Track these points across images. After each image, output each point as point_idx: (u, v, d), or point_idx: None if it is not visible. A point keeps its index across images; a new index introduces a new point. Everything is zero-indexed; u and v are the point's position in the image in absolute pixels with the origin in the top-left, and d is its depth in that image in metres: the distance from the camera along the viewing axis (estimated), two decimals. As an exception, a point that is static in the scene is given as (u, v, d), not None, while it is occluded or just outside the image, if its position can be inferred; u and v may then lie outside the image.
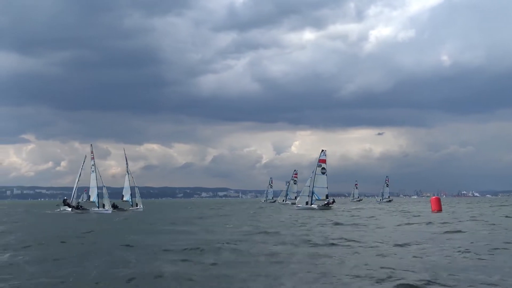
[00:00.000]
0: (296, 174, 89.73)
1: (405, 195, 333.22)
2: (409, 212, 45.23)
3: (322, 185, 58.83)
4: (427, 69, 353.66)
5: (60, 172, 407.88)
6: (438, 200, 47.74)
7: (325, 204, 57.38)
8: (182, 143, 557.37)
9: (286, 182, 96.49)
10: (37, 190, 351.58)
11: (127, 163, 62.02)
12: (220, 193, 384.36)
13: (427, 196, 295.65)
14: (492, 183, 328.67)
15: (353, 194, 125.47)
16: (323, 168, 59.46)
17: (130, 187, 59.71)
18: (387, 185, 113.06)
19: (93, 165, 55.79)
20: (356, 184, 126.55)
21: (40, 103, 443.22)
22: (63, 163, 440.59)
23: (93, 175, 55.33)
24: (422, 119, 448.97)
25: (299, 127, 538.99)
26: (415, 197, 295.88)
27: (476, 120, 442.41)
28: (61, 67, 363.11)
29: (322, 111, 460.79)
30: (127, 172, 60.49)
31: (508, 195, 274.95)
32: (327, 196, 58.97)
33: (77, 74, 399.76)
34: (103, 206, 52.21)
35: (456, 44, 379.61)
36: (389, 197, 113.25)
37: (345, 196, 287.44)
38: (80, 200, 64.04)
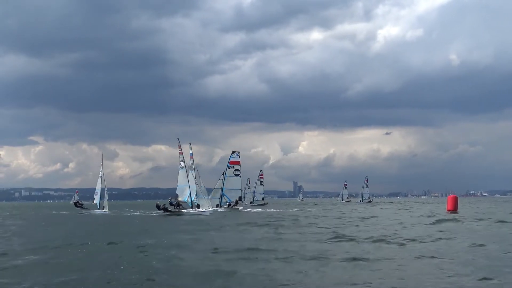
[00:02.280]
0: (262, 175, 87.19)
1: (413, 195, 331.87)
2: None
3: (235, 187, 57.93)
4: (435, 69, 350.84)
5: (68, 174, 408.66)
6: (455, 199, 46.13)
7: (228, 205, 56.67)
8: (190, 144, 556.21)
9: (246, 183, 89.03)
10: (45, 192, 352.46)
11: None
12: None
13: (435, 196, 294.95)
14: (501, 182, 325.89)
15: (342, 194, 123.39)
16: (236, 170, 58.41)
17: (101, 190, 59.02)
18: (367, 186, 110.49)
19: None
20: (345, 184, 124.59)
21: (48, 105, 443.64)
22: (71, 165, 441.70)
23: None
24: (431, 118, 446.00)
25: (306, 128, 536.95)
26: (425, 197, 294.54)
27: (485, 120, 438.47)
28: (69, 68, 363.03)
29: (329, 111, 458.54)
30: (102, 175, 59.55)
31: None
32: (240, 198, 58.12)
33: (85, 75, 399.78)
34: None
35: (465, 43, 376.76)
36: (369, 197, 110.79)
37: (353, 196, 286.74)
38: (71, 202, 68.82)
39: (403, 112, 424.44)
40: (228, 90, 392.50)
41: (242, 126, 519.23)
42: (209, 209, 46.75)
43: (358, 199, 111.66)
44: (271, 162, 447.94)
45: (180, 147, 56.00)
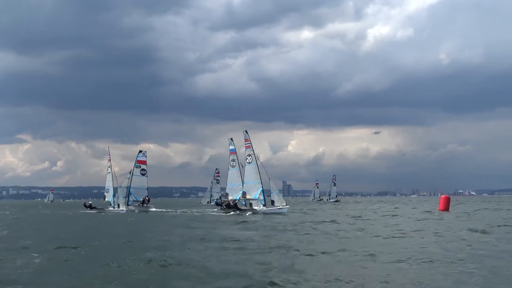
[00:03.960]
0: (218, 173, 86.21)
1: (402, 194, 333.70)
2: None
3: (141, 186, 58.12)
4: (425, 68, 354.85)
5: (57, 172, 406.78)
6: (447, 200, 46.91)
7: (140, 205, 56.62)
8: (179, 142, 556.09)
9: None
10: (33, 190, 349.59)
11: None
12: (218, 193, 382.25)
13: (424, 195, 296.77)
14: (489, 182, 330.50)
15: (314, 193, 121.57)
16: (143, 169, 58.63)
17: (113, 188, 58.05)
18: (334, 184, 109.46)
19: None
20: (317, 184, 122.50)
21: (37, 103, 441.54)
22: (59, 163, 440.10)
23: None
24: (420, 118, 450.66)
25: (296, 127, 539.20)
26: (414, 196, 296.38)
27: (474, 119, 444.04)
28: (59, 66, 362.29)
29: (319, 110, 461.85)
30: (111, 171, 58.85)
31: (504, 194, 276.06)
32: (148, 198, 58.03)
33: (75, 73, 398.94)
34: (118, 206, 54.20)
35: (455, 42, 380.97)
36: (336, 196, 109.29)
37: (342, 195, 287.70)
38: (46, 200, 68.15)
39: (392, 111, 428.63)
40: (218, 89, 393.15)
41: (232, 124, 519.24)
42: (286, 206, 44.90)
43: (326, 198, 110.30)
44: (260, 161, 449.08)
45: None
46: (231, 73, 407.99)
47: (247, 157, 47.64)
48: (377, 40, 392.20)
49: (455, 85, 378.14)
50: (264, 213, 42.25)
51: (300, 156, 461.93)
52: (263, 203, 45.12)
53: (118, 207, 54.03)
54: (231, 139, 51.80)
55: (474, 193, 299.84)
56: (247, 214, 41.77)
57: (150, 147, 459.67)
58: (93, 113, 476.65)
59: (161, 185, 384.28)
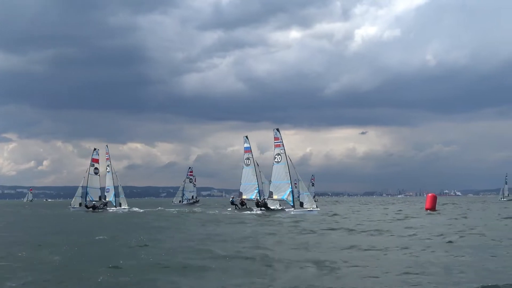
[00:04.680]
0: (191, 172, 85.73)
1: (388, 194, 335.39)
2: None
3: (96, 186, 57.33)
4: (412, 69, 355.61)
5: (43, 172, 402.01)
6: (433, 198, 46.35)
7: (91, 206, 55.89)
8: (166, 142, 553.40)
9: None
10: (19, 190, 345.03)
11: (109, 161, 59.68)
12: (204, 193, 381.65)
13: (410, 195, 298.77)
14: (474, 182, 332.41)
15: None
16: (96, 168, 58.02)
17: (114, 187, 57.50)
18: (313, 185, 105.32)
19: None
20: (295, 184, 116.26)
21: (23, 102, 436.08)
22: (45, 163, 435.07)
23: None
24: (407, 118, 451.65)
25: (283, 127, 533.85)
26: (401, 196, 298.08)
27: (461, 120, 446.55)
28: (45, 65, 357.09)
29: (306, 111, 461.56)
30: (111, 170, 58.20)
31: (489, 194, 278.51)
32: (100, 198, 57.55)
33: (61, 72, 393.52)
34: (120, 205, 54.10)
35: (442, 43, 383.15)
36: (314, 196, 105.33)
37: (328, 195, 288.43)
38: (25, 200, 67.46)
39: (379, 111, 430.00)
40: (205, 89, 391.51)
41: (219, 124, 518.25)
42: (316, 208, 43.08)
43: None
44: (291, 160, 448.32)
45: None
46: (218, 73, 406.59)
47: (276, 156, 46.10)
48: (364, 40, 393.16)
49: (442, 86, 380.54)
50: (295, 214, 40.48)
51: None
52: (292, 204, 43.67)
53: (120, 206, 53.78)
54: (246, 137, 50.68)
55: (460, 193, 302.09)
56: (277, 215, 40.49)
57: (137, 147, 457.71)
58: (79, 112, 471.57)
59: (147, 185, 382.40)
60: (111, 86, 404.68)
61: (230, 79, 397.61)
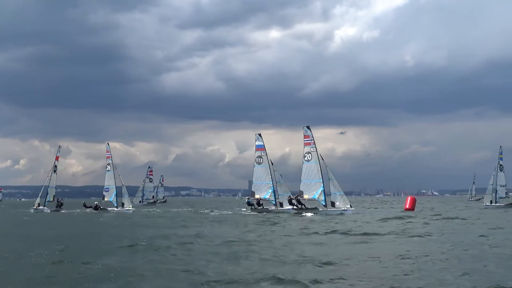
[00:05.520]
0: (151, 171, 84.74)
1: (366, 194, 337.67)
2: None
3: (52, 185, 55.78)
4: (390, 69, 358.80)
5: (19, 171, 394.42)
6: (413, 201, 47.58)
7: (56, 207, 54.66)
8: (145, 141, 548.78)
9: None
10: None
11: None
12: (183, 192, 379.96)
13: (388, 195, 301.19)
14: (451, 182, 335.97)
15: (239, 194, 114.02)
16: (55, 166, 56.48)
17: (116, 186, 53.84)
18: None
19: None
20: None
21: None
22: (22, 162, 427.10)
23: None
24: (385, 118, 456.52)
25: (262, 126, 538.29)
26: (380, 196, 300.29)
27: (438, 120, 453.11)
28: (23, 63, 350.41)
29: (286, 110, 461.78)
30: (112, 168, 54.71)
31: (465, 194, 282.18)
32: (54, 197, 56.12)
33: (39, 70, 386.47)
34: (122, 205, 51.25)
35: (420, 44, 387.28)
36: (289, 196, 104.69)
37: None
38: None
39: (358, 111, 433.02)
40: (185, 88, 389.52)
41: (199, 124, 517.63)
42: (350, 208, 41.80)
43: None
44: (226, 160, 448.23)
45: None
46: (198, 72, 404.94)
47: (306, 154, 44.80)
48: (344, 41, 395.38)
49: (420, 87, 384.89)
50: (327, 214, 39.87)
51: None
52: (324, 203, 42.61)
53: (123, 206, 50.93)
54: (259, 134, 48.83)
55: (437, 193, 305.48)
56: (308, 215, 39.68)
57: (115, 146, 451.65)
58: (57, 111, 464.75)
59: (126, 184, 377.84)
60: (90, 85, 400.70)
61: (210, 79, 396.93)
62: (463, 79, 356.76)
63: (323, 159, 44.27)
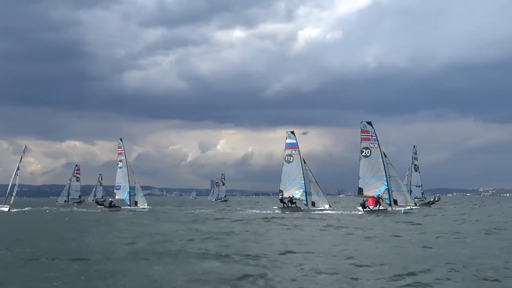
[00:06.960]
0: (78, 170, 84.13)
1: (328, 194, 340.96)
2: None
3: (14, 183, 55.01)
4: (353, 71, 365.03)
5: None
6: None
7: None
8: (105, 140, 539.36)
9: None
10: None
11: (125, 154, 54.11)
12: (144, 192, 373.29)
13: (349, 195, 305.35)
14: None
15: (213, 192, 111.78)
16: (18, 168, 55.86)
17: (129, 184, 52.41)
18: (223, 184, 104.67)
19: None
20: (217, 183, 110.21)
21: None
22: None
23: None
24: (347, 119, 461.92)
25: (224, 126, 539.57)
26: (342, 196, 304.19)
27: (399, 121, 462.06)
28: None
29: (248, 110, 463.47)
30: (125, 165, 52.90)
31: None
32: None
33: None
34: (135, 203, 49.89)
35: (381, 46, 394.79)
36: (225, 196, 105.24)
37: (269, 195, 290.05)
38: None
39: (320, 112, 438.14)
40: (147, 86, 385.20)
41: (161, 123, 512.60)
42: (416, 206, 41.28)
43: (213, 198, 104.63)
44: (189, 159, 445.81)
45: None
46: (160, 71, 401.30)
47: (363, 150, 44.13)
48: (307, 41, 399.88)
49: (381, 88, 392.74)
50: (405, 213, 39.42)
51: (229, 155, 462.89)
52: (388, 202, 41.56)
53: (136, 205, 49.46)
54: (292, 132, 47.44)
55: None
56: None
57: (75, 145, 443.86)
58: (15, 109, 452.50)
59: (87, 183, 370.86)
60: (50, 82, 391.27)
61: (172, 77, 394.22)
62: (423, 81, 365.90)
63: (385, 156, 44.07)
